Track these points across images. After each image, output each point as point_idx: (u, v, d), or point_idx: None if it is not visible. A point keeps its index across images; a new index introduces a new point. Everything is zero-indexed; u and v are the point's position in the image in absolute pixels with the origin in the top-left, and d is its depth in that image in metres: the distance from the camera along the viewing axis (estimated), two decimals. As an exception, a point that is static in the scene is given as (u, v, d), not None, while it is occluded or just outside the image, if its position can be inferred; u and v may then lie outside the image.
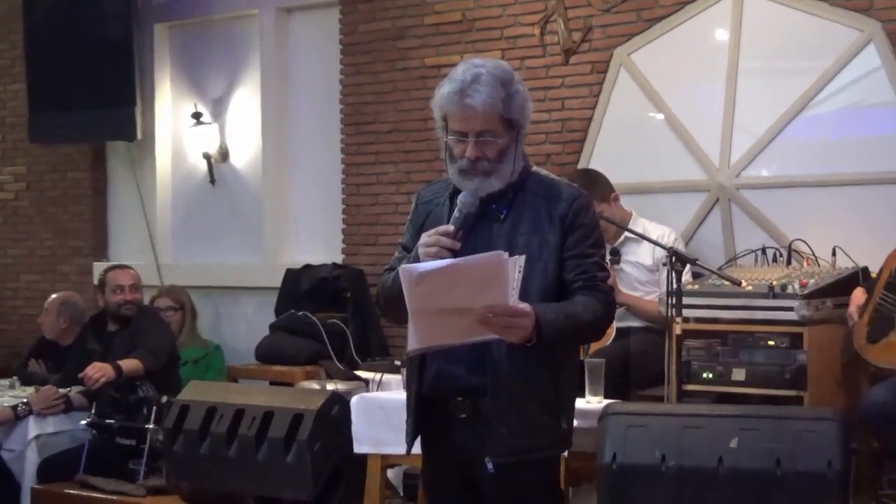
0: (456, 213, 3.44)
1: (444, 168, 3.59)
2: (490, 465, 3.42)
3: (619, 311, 5.96)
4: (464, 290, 3.18)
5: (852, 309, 5.43)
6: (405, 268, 3.26)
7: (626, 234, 6.16)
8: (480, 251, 3.30)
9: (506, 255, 3.21)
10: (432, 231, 3.42)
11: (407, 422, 3.59)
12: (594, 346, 5.41)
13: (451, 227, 3.41)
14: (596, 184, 6.17)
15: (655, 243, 5.95)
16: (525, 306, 3.25)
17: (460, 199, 3.46)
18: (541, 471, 3.53)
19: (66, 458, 6.46)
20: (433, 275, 3.20)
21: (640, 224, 6.31)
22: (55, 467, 6.46)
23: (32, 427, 6.59)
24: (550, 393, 3.48)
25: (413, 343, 3.30)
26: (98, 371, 6.53)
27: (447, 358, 3.46)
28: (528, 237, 3.45)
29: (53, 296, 7.88)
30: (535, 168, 3.61)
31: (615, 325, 5.88)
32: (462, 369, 3.46)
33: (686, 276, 5.91)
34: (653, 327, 6.05)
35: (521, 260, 3.23)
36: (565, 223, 3.47)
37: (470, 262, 3.21)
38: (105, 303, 7.04)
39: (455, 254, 3.34)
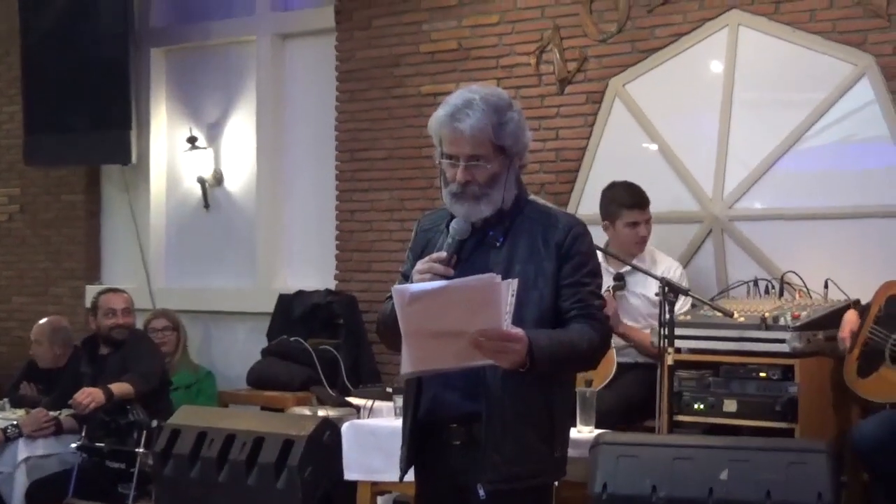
0: (448, 239, 3.45)
1: (438, 196, 3.60)
2: (482, 492, 3.41)
3: (620, 343, 5.97)
4: (457, 312, 3.18)
5: (845, 333, 5.42)
6: (398, 288, 3.27)
7: (635, 262, 6.10)
8: None
9: (498, 278, 3.20)
10: (426, 258, 3.43)
11: (402, 448, 3.58)
12: (596, 383, 5.43)
13: (443, 254, 3.42)
14: (644, 194, 6.28)
15: (649, 274, 5.94)
16: (518, 331, 3.25)
17: (452, 225, 3.47)
18: (533, 499, 3.52)
19: (56, 481, 6.45)
20: (426, 296, 3.20)
21: (649, 252, 6.30)
22: (44, 490, 6.45)
23: (22, 449, 6.58)
24: (545, 421, 3.47)
25: (406, 366, 3.29)
26: (87, 397, 6.51)
27: (443, 384, 3.46)
28: (524, 265, 3.46)
29: (40, 324, 7.75)
30: (532, 196, 3.62)
31: (616, 360, 5.89)
32: (457, 396, 3.46)
33: (684, 306, 5.92)
34: (642, 363, 6.03)
35: (514, 283, 3.22)
36: (561, 251, 3.48)
37: (463, 285, 3.21)
38: (97, 326, 7.04)
39: (451, 280, 3.34)
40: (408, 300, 3.21)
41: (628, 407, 5.76)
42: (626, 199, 6.23)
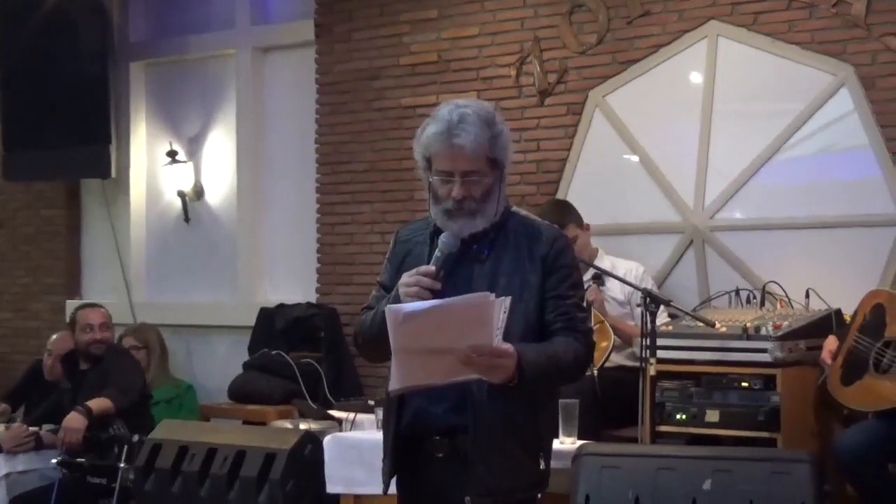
0: (437, 253, 3.43)
1: (419, 208, 3.61)
2: (469, 504, 3.41)
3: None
4: (449, 330, 3.17)
5: (825, 355, 5.44)
6: (392, 308, 3.25)
7: (595, 268, 6.16)
8: (461, 291, 3.30)
9: (492, 296, 3.20)
10: (413, 271, 3.41)
11: (384, 461, 3.57)
12: (597, 358, 5.51)
13: (431, 268, 3.40)
14: (571, 211, 6.35)
15: (624, 281, 5.98)
16: (508, 347, 3.24)
17: (442, 239, 3.45)
18: (519, 511, 3.53)
19: (36, 497, 6.42)
20: (419, 315, 3.19)
21: (606, 260, 6.34)
22: (25, 506, 6.43)
23: (2, 465, 6.56)
24: (530, 433, 3.47)
25: (395, 383, 3.28)
26: (73, 434, 6.42)
27: (426, 397, 3.45)
28: (509, 277, 3.45)
29: (63, 338, 7.50)
30: (514, 208, 3.62)
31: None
32: (441, 408, 3.45)
33: (663, 316, 5.93)
34: (625, 366, 6.05)
35: (507, 301, 3.22)
36: (546, 263, 3.47)
37: (457, 303, 3.20)
38: (75, 342, 7.00)
39: (436, 294, 3.33)
40: (401, 320, 3.20)
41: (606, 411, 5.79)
42: None
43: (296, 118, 8.23)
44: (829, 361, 5.41)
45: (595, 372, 5.61)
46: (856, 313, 5.46)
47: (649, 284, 6.10)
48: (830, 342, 5.47)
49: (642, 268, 6.36)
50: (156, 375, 7.85)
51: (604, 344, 5.85)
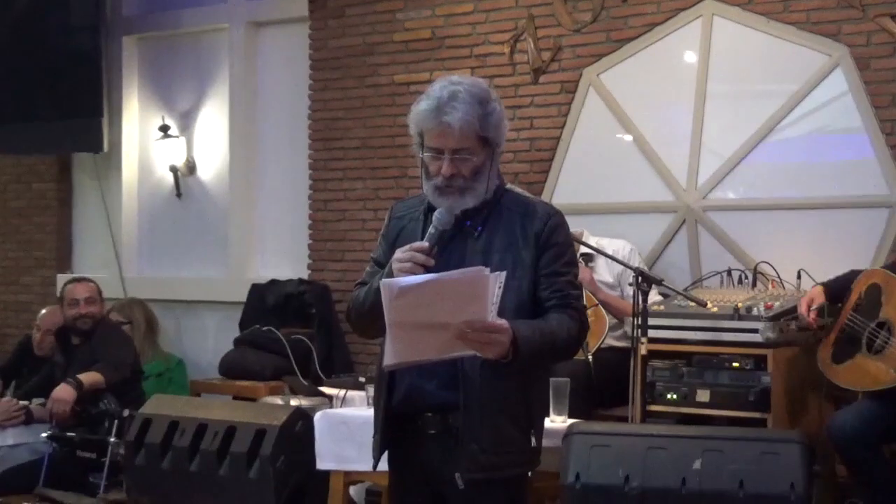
0: (431, 229, 3.42)
1: (412, 185, 3.60)
2: (461, 482, 3.40)
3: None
4: (444, 304, 3.17)
5: (802, 308, 5.42)
6: (387, 282, 3.24)
7: (583, 251, 6.16)
8: (454, 268, 3.28)
9: (487, 270, 3.19)
10: (406, 247, 3.40)
11: (374, 437, 3.57)
12: (591, 343, 5.52)
13: (425, 244, 3.39)
14: None
15: (615, 259, 5.97)
16: (503, 322, 3.23)
17: (435, 215, 3.44)
18: (510, 488, 3.51)
19: (26, 471, 6.41)
20: (414, 289, 3.18)
21: (592, 241, 6.32)
22: (14, 480, 6.41)
23: (-8, 439, 6.55)
24: (521, 410, 3.47)
25: (390, 358, 3.28)
26: (61, 405, 6.43)
27: (418, 373, 3.44)
28: (502, 254, 3.44)
29: (52, 313, 7.47)
30: (508, 186, 3.61)
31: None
32: (433, 385, 3.44)
33: (654, 296, 5.93)
34: (617, 346, 6.06)
35: (501, 276, 3.21)
36: (540, 241, 3.46)
37: (452, 278, 3.19)
38: (64, 316, 6.99)
39: (429, 270, 3.32)
40: (396, 294, 3.18)
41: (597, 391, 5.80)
42: None
43: (289, 94, 8.21)
44: (804, 311, 5.40)
45: (590, 358, 5.61)
46: (851, 291, 5.46)
47: (637, 262, 6.11)
48: (812, 292, 5.46)
49: (629, 246, 6.35)
50: (143, 351, 7.82)
51: (597, 328, 5.85)
